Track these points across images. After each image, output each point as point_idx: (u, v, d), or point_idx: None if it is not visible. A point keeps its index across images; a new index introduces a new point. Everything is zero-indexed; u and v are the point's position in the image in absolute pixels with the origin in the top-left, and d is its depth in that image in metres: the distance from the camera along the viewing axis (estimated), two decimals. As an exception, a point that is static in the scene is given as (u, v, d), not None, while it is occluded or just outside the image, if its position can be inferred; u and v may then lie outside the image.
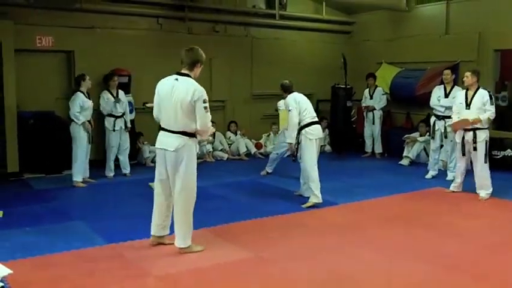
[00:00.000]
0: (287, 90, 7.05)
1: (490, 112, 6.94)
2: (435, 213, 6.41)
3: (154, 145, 5.12)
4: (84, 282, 4.21)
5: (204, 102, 4.66)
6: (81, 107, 7.59)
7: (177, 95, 4.64)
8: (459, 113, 7.10)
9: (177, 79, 4.72)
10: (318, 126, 6.79)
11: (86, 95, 7.74)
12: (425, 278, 4.31)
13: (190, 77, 4.73)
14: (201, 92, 4.65)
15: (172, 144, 4.68)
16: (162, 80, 4.86)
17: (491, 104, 6.96)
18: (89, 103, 7.74)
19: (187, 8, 10.17)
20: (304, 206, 6.58)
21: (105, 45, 9.18)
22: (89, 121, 7.74)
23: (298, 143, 6.71)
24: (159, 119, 4.86)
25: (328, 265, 4.60)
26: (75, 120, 7.59)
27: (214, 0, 10.54)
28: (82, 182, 7.70)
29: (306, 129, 6.68)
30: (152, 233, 5.01)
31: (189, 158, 4.73)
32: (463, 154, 7.14)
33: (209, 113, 4.73)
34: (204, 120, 4.69)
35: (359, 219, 6.11)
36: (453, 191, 7.41)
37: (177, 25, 10.16)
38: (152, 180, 5.25)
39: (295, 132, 6.68)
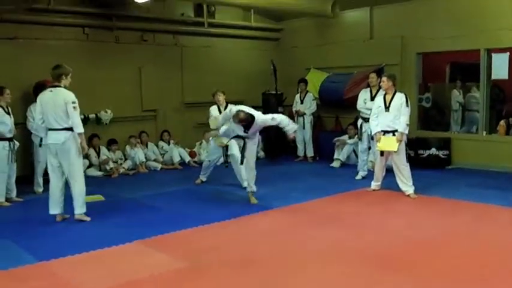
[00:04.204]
0: None
1: (405, 117, 7.25)
2: (367, 213, 6.59)
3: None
4: (13, 303, 4.05)
5: (73, 103, 6.08)
6: None
7: (57, 100, 6.07)
8: (378, 117, 7.42)
9: (51, 91, 6.17)
10: None
11: (6, 109, 7.34)
12: (358, 279, 4.40)
13: (60, 87, 6.17)
14: (70, 96, 6.10)
15: (60, 139, 6.11)
16: (40, 95, 6.28)
17: (407, 106, 7.29)
18: (6, 118, 7.27)
19: (115, 17, 10.01)
20: (254, 203, 7.02)
21: (28, 57, 8.87)
22: (10, 139, 7.34)
23: (245, 144, 6.96)
24: (45, 125, 6.18)
25: (263, 272, 4.59)
26: None
27: (141, 9, 10.41)
28: (6, 201, 7.35)
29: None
30: (57, 212, 6.30)
31: (74, 146, 6.16)
32: (381, 154, 7.47)
33: (78, 111, 6.14)
34: (73, 116, 6.08)
35: (292, 222, 6.18)
36: (374, 190, 7.73)
37: (104, 34, 9.98)
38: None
39: None
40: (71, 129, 6.11)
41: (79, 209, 6.30)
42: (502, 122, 9.69)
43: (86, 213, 6.38)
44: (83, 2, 9.70)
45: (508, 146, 9.15)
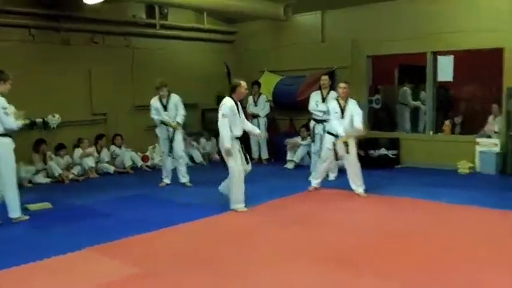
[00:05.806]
0: None
1: (360, 118, 7.48)
2: (322, 212, 6.73)
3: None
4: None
5: (4, 108, 6.13)
6: None
7: None
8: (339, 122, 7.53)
9: None
10: None
11: None
12: (321, 277, 4.42)
13: None
14: (0, 102, 6.11)
15: None
16: None
17: (359, 108, 7.58)
18: None
19: (62, 18, 9.75)
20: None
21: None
22: None
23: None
24: None
25: (222, 274, 4.55)
26: None
27: (91, 10, 10.16)
28: None
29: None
30: None
31: (7, 151, 6.25)
32: (336, 159, 7.64)
33: (10, 116, 6.20)
34: (4, 121, 6.16)
35: (251, 224, 6.19)
36: (316, 188, 7.90)
37: (51, 36, 9.70)
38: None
39: None
40: (4, 135, 6.21)
41: (15, 213, 6.39)
42: (447, 122, 10.01)
43: (24, 213, 6.55)
44: (29, 2, 9.39)
45: (453, 145, 9.48)
